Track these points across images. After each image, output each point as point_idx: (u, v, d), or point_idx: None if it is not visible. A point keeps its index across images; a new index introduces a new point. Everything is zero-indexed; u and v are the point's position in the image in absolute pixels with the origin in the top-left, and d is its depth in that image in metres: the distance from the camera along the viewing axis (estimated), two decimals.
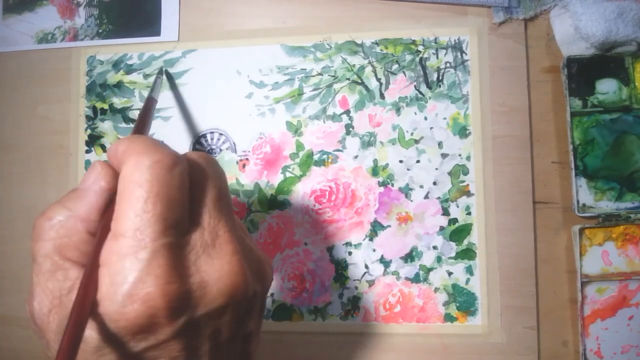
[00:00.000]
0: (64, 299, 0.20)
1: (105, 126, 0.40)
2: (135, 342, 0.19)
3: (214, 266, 0.21)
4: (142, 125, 0.31)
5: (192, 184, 0.21)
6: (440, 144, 0.37)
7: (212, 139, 0.39)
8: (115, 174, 0.21)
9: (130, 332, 0.19)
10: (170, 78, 0.40)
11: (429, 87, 0.38)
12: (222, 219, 0.22)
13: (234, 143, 0.39)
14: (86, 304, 0.18)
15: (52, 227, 0.20)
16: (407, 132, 0.38)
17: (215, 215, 0.21)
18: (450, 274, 0.37)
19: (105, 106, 0.40)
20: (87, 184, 0.21)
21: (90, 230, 0.21)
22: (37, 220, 0.21)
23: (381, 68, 0.38)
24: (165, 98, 0.40)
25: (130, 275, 0.19)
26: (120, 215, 0.19)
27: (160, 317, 0.19)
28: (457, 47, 0.38)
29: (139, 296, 0.18)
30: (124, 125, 0.40)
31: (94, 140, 0.40)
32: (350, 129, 0.38)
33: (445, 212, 0.37)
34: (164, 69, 0.39)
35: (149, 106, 0.34)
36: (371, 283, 0.37)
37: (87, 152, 0.40)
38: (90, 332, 0.19)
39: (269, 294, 0.38)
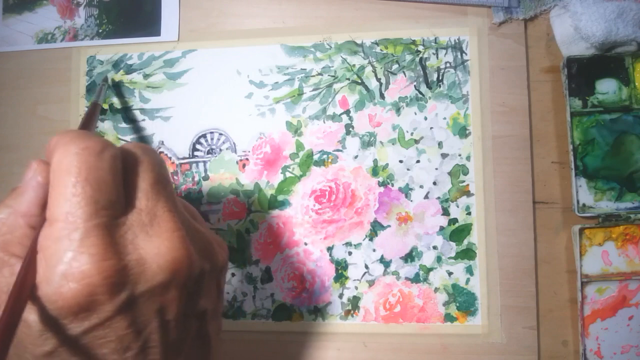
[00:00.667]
0: None
1: (105, 126, 0.40)
2: (78, 322, 0.20)
3: (152, 243, 0.21)
4: (83, 128, 0.32)
5: (128, 171, 0.22)
6: (440, 144, 0.37)
7: (212, 139, 0.39)
8: (50, 169, 0.22)
9: (71, 311, 0.19)
10: (117, 87, 0.40)
11: (429, 87, 0.38)
12: (161, 199, 0.22)
13: (234, 143, 0.39)
14: (24, 289, 0.19)
15: None
16: (407, 132, 0.38)
17: (153, 197, 0.22)
18: (450, 274, 0.37)
19: (105, 106, 0.40)
20: (25, 180, 0.22)
21: (31, 224, 0.21)
22: None
23: (381, 68, 0.38)
24: (165, 98, 0.40)
25: (64, 256, 0.19)
26: (52, 202, 0.20)
27: (99, 294, 0.19)
28: (457, 47, 0.38)
29: (74, 275, 0.19)
30: (124, 125, 0.40)
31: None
32: (350, 129, 0.38)
33: (445, 212, 0.37)
34: (108, 77, 0.40)
35: (92, 112, 0.35)
36: (371, 283, 0.37)
37: None
38: (33, 317, 0.19)
39: (268, 294, 0.38)
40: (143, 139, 0.40)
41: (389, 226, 0.37)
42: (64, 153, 0.20)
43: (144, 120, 0.40)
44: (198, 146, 0.39)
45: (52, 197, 0.20)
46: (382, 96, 0.38)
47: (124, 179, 0.22)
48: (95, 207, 0.20)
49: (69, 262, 0.19)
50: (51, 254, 0.19)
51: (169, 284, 0.21)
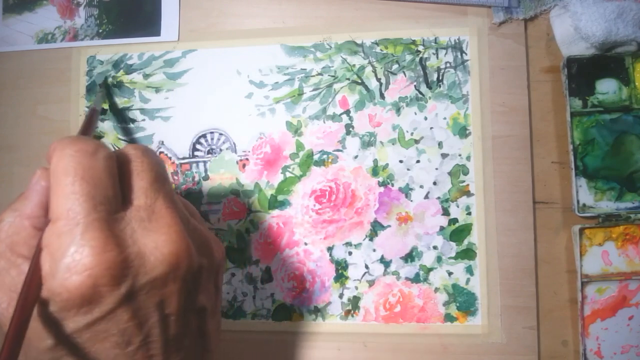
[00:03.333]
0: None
1: (105, 126, 0.40)
2: (81, 316, 0.20)
3: (151, 237, 0.22)
4: (82, 134, 0.33)
5: (126, 170, 0.23)
6: (440, 144, 0.37)
7: (212, 139, 0.39)
8: None
9: (75, 304, 0.20)
10: (109, 88, 0.40)
11: (429, 87, 0.38)
12: (160, 197, 0.23)
13: (234, 143, 0.39)
14: (32, 287, 0.20)
15: (1, 229, 0.22)
16: (407, 132, 0.38)
17: (152, 195, 0.23)
18: (450, 274, 0.37)
19: (105, 106, 0.40)
20: (30, 186, 0.24)
21: (37, 226, 0.22)
22: None
23: (381, 68, 0.38)
24: (165, 98, 0.40)
25: (67, 250, 0.20)
26: (53, 201, 0.21)
27: (101, 285, 0.20)
28: (457, 47, 0.38)
29: (77, 267, 0.20)
30: (124, 125, 0.40)
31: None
32: (350, 129, 0.38)
33: (445, 212, 0.37)
34: (106, 81, 0.40)
35: (91, 117, 0.35)
36: (371, 283, 0.37)
37: None
38: (38, 311, 0.20)
39: (268, 294, 0.38)
40: (143, 139, 0.40)
41: (389, 226, 0.37)
42: (60, 156, 0.22)
43: (144, 120, 0.40)
44: (198, 146, 0.39)
45: (53, 197, 0.21)
46: (382, 96, 0.38)
47: (123, 178, 0.23)
48: (93, 202, 0.21)
49: (72, 255, 0.20)
50: (55, 249, 0.20)
51: (168, 277, 0.22)
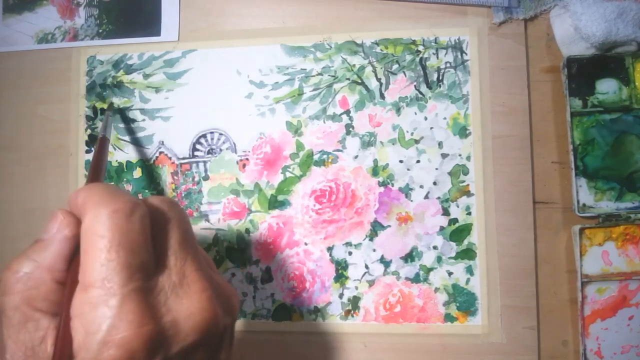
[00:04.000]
0: (36, 349, 0.21)
1: None
2: None
3: (184, 305, 0.21)
4: (97, 169, 0.32)
5: (155, 228, 0.22)
6: (440, 144, 0.37)
7: (212, 139, 0.39)
8: (77, 222, 0.22)
9: None
10: (122, 112, 0.40)
11: (429, 87, 0.38)
12: (188, 258, 0.22)
13: (234, 143, 0.39)
14: (64, 357, 0.19)
15: (19, 280, 0.21)
16: (407, 132, 0.38)
17: (181, 256, 0.22)
18: (450, 274, 0.37)
19: (105, 106, 0.40)
20: (51, 233, 0.22)
21: (57, 280, 0.21)
22: (3, 274, 0.21)
23: (381, 68, 0.38)
24: (165, 98, 0.40)
25: (104, 323, 0.19)
26: (87, 266, 0.20)
27: (137, 358, 0.19)
28: (457, 47, 0.38)
29: (115, 342, 0.19)
30: (123, 125, 0.40)
31: (94, 140, 0.40)
32: (350, 129, 0.38)
33: (446, 212, 0.37)
34: (113, 105, 0.39)
35: (102, 147, 0.34)
36: (371, 283, 0.37)
37: (87, 152, 0.40)
38: None
39: (268, 294, 0.38)
40: (143, 139, 0.40)
41: (389, 226, 0.37)
42: (96, 216, 0.20)
43: (144, 120, 0.40)
44: (198, 146, 0.39)
45: (86, 261, 0.20)
46: (382, 96, 0.38)
47: (152, 236, 0.22)
48: (130, 271, 0.20)
49: (108, 330, 0.19)
50: (89, 321, 0.19)
51: (198, 344, 0.21)
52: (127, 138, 0.40)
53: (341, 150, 0.38)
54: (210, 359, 0.23)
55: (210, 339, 0.22)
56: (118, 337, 0.19)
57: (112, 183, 0.30)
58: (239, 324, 0.38)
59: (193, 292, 0.22)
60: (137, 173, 0.40)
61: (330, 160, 0.38)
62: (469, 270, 0.36)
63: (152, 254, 0.21)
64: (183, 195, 0.39)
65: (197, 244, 0.24)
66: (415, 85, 0.38)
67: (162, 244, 0.22)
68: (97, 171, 0.32)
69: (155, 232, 0.22)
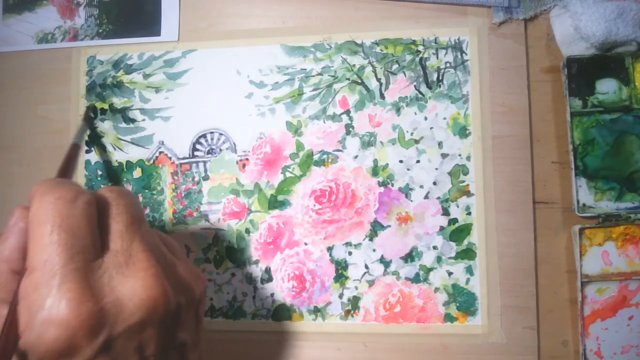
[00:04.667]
0: None
1: (105, 126, 0.40)
2: None
3: (128, 284, 0.22)
4: (63, 171, 0.33)
5: (103, 214, 0.23)
6: (440, 144, 0.37)
7: (212, 139, 0.39)
8: None
9: (52, 356, 0.20)
10: (92, 119, 0.40)
11: (429, 87, 0.38)
12: (136, 240, 0.23)
13: (234, 143, 0.39)
14: (10, 339, 0.20)
15: None
16: (407, 132, 0.38)
17: (128, 238, 0.23)
18: (450, 274, 0.37)
19: (105, 106, 0.40)
20: (8, 227, 0.23)
21: (14, 269, 0.22)
22: None
23: (381, 68, 0.38)
24: (165, 98, 0.40)
25: (44, 303, 0.20)
26: (31, 251, 0.21)
27: (78, 337, 0.20)
28: (457, 47, 0.38)
29: (54, 320, 0.19)
30: (124, 125, 0.40)
31: (94, 140, 0.40)
32: (350, 129, 0.38)
33: (445, 212, 0.37)
34: (88, 113, 0.40)
35: (72, 152, 0.35)
36: (371, 283, 0.37)
37: (87, 152, 0.40)
38: None
39: (268, 294, 0.38)
40: (143, 139, 0.40)
41: (389, 226, 0.37)
42: (40, 203, 0.21)
43: (144, 120, 0.40)
44: (198, 146, 0.39)
45: (31, 246, 0.21)
46: (382, 96, 0.38)
47: (100, 222, 0.23)
48: (71, 252, 0.21)
49: (48, 309, 0.20)
50: (32, 301, 0.20)
51: (146, 322, 0.22)
52: (127, 138, 0.40)
53: (341, 150, 0.38)
54: (166, 338, 0.23)
55: (160, 318, 0.22)
56: (57, 315, 0.20)
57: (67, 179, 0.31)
58: (239, 324, 0.38)
59: (138, 270, 0.22)
60: (137, 173, 0.40)
61: (330, 160, 0.38)
62: (469, 270, 0.36)
63: (96, 238, 0.22)
64: (183, 195, 0.39)
65: (149, 229, 0.25)
66: (415, 85, 0.38)
67: (108, 228, 0.23)
68: (64, 173, 0.32)
69: (102, 217, 0.23)
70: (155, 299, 0.22)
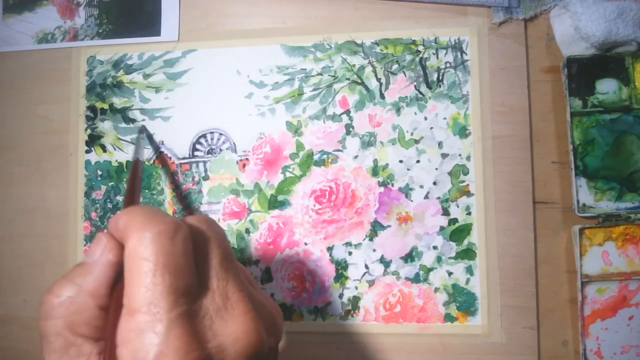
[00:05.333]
0: None
1: (105, 126, 0.40)
2: None
3: (229, 329, 0.21)
4: (132, 193, 0.32)
5: (196, 249, 0.22)
6: (440, 144, 0.37)
7: (212, 139, 0.39)
8: (120, 246, 0.21)
9: None
10: (149, 134, 0.40)
11: (429, 87, 0.38)
12: (230, 278, 0.22)
13: (234, 143, 0.39)
14: None
15: (61, 305, 0.21)
16: (407, 132, 0.38)
17: (223, 277, 0.22)
18: (450, 274, 0.37)
19: (105, 106, 0.40)
20: (94, 257, 0.22)
21: (100, 305, 0.21)
22: (45, 298, 0.21)
23: (381, 68, 0.38)
24: (165, 98, 0.40)
25: (151, 351, 0.19)
26: (132, 291, 0.20)
27: None
28: (457, 47, 0.38)
29: None
30: (123, 125, 0.40)
31: (94, 140, 0.40)
32: (350, 129, 0.38)
33: (445, 212, 0.37)
34: (144, 127, 0.39)
35: (137, 170, 0.33)
36: (371, 283, 0.37)
37: (87, 152, 0.40)
38: None
39: (269, 294, 0.38)
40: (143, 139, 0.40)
41: (389, 226, 0.37)
42: (139, 239, 0.20)
43: (144, 120, 0.40)
44: (198, 146, 0.39)
45: (131, 285, 0.20)
46: (382, 96, 0.38)
47: (194, 258, 0.21)
48: (176, 295, 0.19)
49: (155, 357, 0.19)
50: (137, 348, 0.19)
51: None
52: (127, 138, 0.40)
53: (341, 150, 0.38)
54: None
55: None
56: None
57: (152, 206, 0.30)
58: None
59: (237, 315, 0.21)
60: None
61: (330, 160, 0.38)
62: (469, 270, 0.36)
63: (195, 276, 0.21)
64: (183, 195, 0.39)
65: (237, 262, 0.24)
66: (415, 85, 0.38)
67: (203, 265, 0.22)
68: (133, 194, 0.31)
69: (196, 253, 0.21)
70: (255, 345, 0.21)
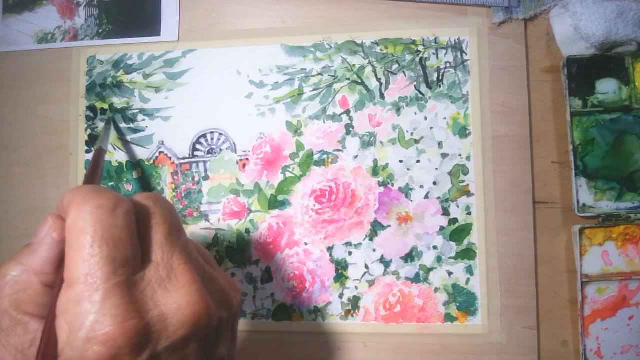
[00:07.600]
0: (26, 352, 0.20)
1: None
2: None
3: (172, 298, 0.21)
4: (91, 176, 0.32)
5: (141, 224, 0.22)
6: (440, 144, 0.37)
7: (212, 139, 0.39)
8: (64, 225, 0.22)
9: None
10: (116, 124, 0.40)
11: (429, 87, 0.38)
12: (176, 251, 0.22)
13: (234, 143, 0.39)
14: (48, 357, 0.19)
15: (6, 284, 0.21)
16: (407, 132, 0.38)
17: (168, 250, 0.22)
18: (450, 274, 0.37)
19: (105, 106, 0.40)
20: (39, 237, 0.22)
21: (45, 283, 0.21)
22: None
23: (381, 68, 0.38)
24: (165, 98, 0.40)
25: (87, 319, 0.19)
26: (70, 263, 0.20)
27: (122, 355, 0.19)
28: (457, 47, 0.38)
29: (98, 338, 0.19)
30: (123, 125, 0.40)
31: (94, 140, 0.40)
32: (350, 129, 0.38)
33: (445, 212, 0.37)
34: (112, 119, 0.40)
35: (98, 157, 0.34)
36: (371, 283, 0.37)
37: (87, 152, 0.40)
38: None
39: (269, 294, 0.38)
40: (143, 139, 0.40)
41: (389, 226, 0.37)
42: (78, 212, 0.20)
43: (144, 120, 0.40)
44: (198, 146, 0.39)
45: (70, 258, 0.20)
46: (382, 96, 0.38)
47: (138, 232, 0.22)
48: (114, 265, 0.20)
49: (91, 326, 0.19)
50: (73, 317, 0.19)
51: (189, 338, 0.21)
52: (127, 138, 0.40)
53: (341, 150, 0.38)
54: (206, 354, 0.22)
55: (202, 333, 0.22)
56: (102, 332, 0.19)
57: (103, 185, 0.30)
58: (240, 324, 0.38)
59: (182, 285, 0.21)
60: (137, 173, 0.40)
61: (330, 160, 0.38)
62: (469, 270, 0.36)
63: (137, 248, 0.21)
64: (183, 195, 0.39)
65: (187, 239, 0.24)
66: (415, 85, 0.38)
67: (148, 238, 0.22)
68: (91, 177, 0.32)
69: (141, 227, 0.22)
70: (199, 315, 0.21)
